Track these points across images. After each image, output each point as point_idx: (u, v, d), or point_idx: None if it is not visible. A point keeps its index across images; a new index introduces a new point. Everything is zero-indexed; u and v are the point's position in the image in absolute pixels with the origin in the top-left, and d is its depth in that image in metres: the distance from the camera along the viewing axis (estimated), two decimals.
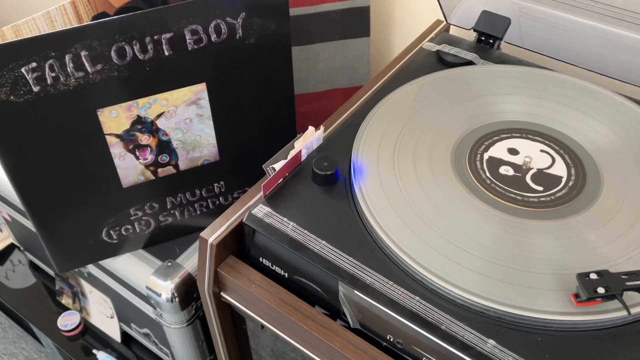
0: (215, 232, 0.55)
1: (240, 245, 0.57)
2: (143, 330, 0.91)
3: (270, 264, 0.55)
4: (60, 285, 1.04)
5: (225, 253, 0.56)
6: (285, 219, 0.53)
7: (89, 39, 0.57)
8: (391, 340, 0.49)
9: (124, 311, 0.90)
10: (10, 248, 1.18)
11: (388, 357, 0.49)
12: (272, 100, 0.70)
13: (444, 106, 0.63)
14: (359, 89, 0.70)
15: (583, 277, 0.44)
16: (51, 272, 1.09)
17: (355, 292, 0.49)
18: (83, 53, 0.57)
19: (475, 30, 0.74)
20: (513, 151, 0.59)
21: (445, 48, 0.72)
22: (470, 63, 0.70)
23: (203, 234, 0.54)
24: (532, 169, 0.57)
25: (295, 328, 0.53)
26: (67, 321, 1.02)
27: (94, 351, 1.00)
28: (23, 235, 1.04)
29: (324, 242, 0.51)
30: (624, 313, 0.44)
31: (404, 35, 0.95)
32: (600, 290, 0.43)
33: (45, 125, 0.61)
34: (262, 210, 0.54)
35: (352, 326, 0.51)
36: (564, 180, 0.56)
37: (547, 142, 0.60)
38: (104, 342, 1.01)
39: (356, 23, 0.88)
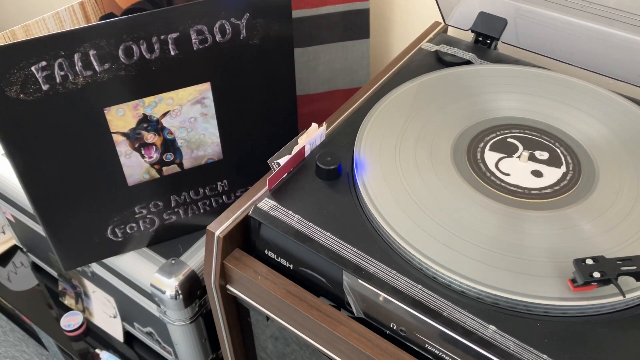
0: (222, 225, 0.56)
1: (246, 238, 0.58)
2: (146, 329, 0.92)
3: (275, 256, 0.57)
4: (63, 286, 1.05)
5: (232, 246, 0.57)
6: (290, 212, 0.55)
7: (98, 38, 0.58)
8: (394, 328, 0.51)
9: (128, 310, 0.91)
10: (13, 250, 1.19)
11: (392, 344, 0.50)
12: (274, 99, 0.72)
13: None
14: (359, 89, 0.71)
15: (579, 262, 0.45)
16: (54, 274, 1.10)
17: (359, 281, 0.50)
18: (91, 52, 0.59)
19: (472, 31, 0.76)
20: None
21: (443, 48, 0.74)
22: (468, 63, 0.71)
23: (210, 227, 0.56)
24: (529, 162, 0.58)
25: (300, 318, 0.54)
26: (70, 321, 1.03)
27: (97, 351, 1.01)
28: (26, 236, 1.05)
29: (328, 233, 0.53)
30: (619, 298, 0.46)
31: (403, 37, 0.97)
32: (596, 274, 0.44)
33: (54, 123, 0.62)
34: (267, 204, 0.56)
35: (356, 315, 0.53)
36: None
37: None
38: (107, 342, 1.02)
39: (356, 25, 0.89)
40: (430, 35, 0.79)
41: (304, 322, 0.54)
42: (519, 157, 0.59)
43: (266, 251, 0.57)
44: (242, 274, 0.56)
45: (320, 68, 0.93)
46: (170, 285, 0.75)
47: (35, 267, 1.16)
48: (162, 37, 0.61)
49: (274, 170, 0.57)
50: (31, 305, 1.10)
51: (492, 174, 0.57)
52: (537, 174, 0.57)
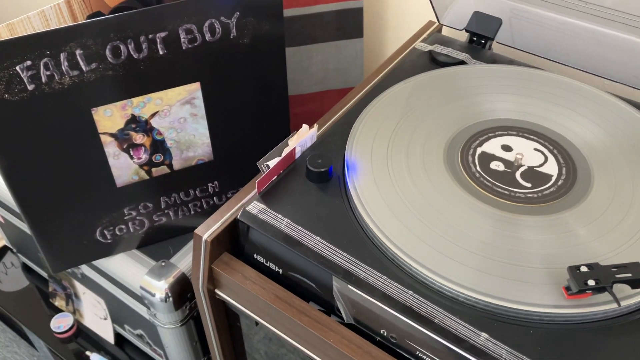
0: (209, 228, 0.55)
1: (235, 242, 0.57)
2: (137, 332, 0.91)
3: (264, 260, 0.56)
4: (53, 287, 1.04)
5: (220, 250, 0.56)
6: (279, 216, 0.54)
7: (84, 37, 0.57)
8: (385, 334, 0.50)
9: (118, 312, 0.90)
10: (3, 250, 1.18)
11: (382, 351, 0.50)
12: (266, 100, 0.71)
13: (436, 104, 0.64)
14: (352, 89, 0.70)
15: (574, 269, 0.45)
16: (44, 275, 1.09)
17: (349, 287, 0.49)
18: (78, 52, 0.58)
19: (467, 31, 0.75)
20: (505, 148, 0.59)
21: (437, 48, 0.73)
22: (462, 63, 0.70)
23: (198, 230, 0.55)
24: (523, 165, 0.57)
25: (289, 324, 0.53)
26: (60, 323, 1.01)
27: (87, 353, 1.00)
28: (16, 237, 1.04)
29: (318, 237, 0.52)
30: (614, 306, 0.45)
31: (397, 36, 0.96)
32: (591, 282, 0.43)
33: (40, 123, 0.61)
34: (256, 207, 0.55)
35: (346, 321, 0.52)
36: (555, 176, 0.56)
37: (538, 139, 0.60)
38: (97, 344, 1.01)
39: (350, 24, 0.88)
40: (424, 35, 0.78)
41: (293, 328, 0.53)
42: (513, 160, 0.58)
43: (255, 255, 0.56)
44: (231, 279, 0.55)
45: (313, 68, 0.92)
46: (160, 288, 0.74)
47: (26, 268, 1.15)
48: (150, 36, 0.59)
49: (264, 172, 0.56)
50: (21, 307, 1.09)
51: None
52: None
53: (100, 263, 0.79)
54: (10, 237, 1.07)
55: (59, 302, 1.04)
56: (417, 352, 0.48)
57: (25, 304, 1.09)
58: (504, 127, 0.62)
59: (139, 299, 0.78)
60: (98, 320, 0.97)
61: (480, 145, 0.60)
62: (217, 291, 0.59)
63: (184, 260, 0.77)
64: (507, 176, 0.56)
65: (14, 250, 1.12)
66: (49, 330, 1.02)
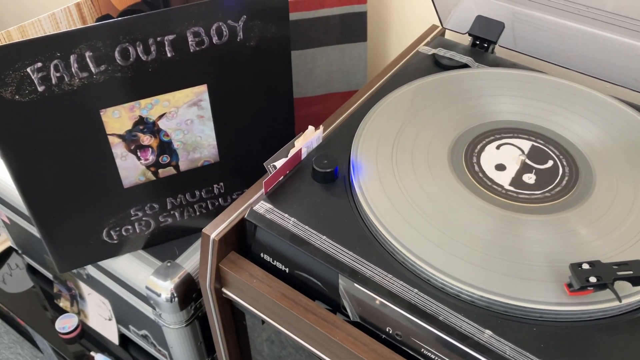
0: (217, 227, 0.56)
1: (242, 241, 0.58)
2: (141, 332, 0.91)
3: (271, 259, 0.56)
4: (58, 288, 1.05)
5: (227, 249, 0.57)
6: (286, 215, 0.54)
7: (94, 39, 0.58)
8: (390, 332, 0.50)
9: (123, 313, 0.91)
10: (8, 252, 1.19)
11: (388, 349, 0.50)
12: (271, 102, 0.72)
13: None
14: (356, 92, 0.71)
15: (576, 267, 0.45)
16: (49, 276, 1.09)
17: (355, 285, 0.50)
18: (87, 54, 0.59)
19: (470, 35, 0.76)
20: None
21: (441, 51, 0.73)
22: (465, 66, 0.71)
23: (205, 229, 0.55)
24: (526, 166, 0.58)
25: (296, 322, 0.54)
26: (65, 324, 1.02)
27: (92, 354, 1.00)
28: (21, 238, 1.05)
29: (324, 237, 0.53)
30: (616, 303, 0.46)
31: (401, 40, 0.97)
32: (592, 279, 0.44)
33: (49, 124, 0.62)
34: (263, 207, 0.55)
35: (352, 319, 0.53)
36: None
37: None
38: (102, 345, 1.01)
39: (353, 28, 0.89)
40: (428, 39, 0.78)
41: (299, 326, 0.54)
42: (515, 160, 0.59)
43: (262, 254, 0.57)
44: (238, 277, 0.56)
45: (317, 71, 0.93)
46: (165, 288, 0.75)
47: (31, 269, 1.15)
48: (158, 38, 0.60)
49: (270, 173, 0.56)
50: (26, 308, 1.10)
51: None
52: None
53: (106, 263, 0.80)
54: (15, 238, 1.08)
55: (63, 303, 1.05)
56: (422, 350, 0.49)
57: (30, 305, 1.10)
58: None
59: (145, 299, 0.79)
60: (103, 321, 0.98)
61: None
62: (224, 290, 0.59)
63: (189, 261, 0.78)
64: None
65: (19, 251, 1.12)
66: (53, 331, 1.03)
